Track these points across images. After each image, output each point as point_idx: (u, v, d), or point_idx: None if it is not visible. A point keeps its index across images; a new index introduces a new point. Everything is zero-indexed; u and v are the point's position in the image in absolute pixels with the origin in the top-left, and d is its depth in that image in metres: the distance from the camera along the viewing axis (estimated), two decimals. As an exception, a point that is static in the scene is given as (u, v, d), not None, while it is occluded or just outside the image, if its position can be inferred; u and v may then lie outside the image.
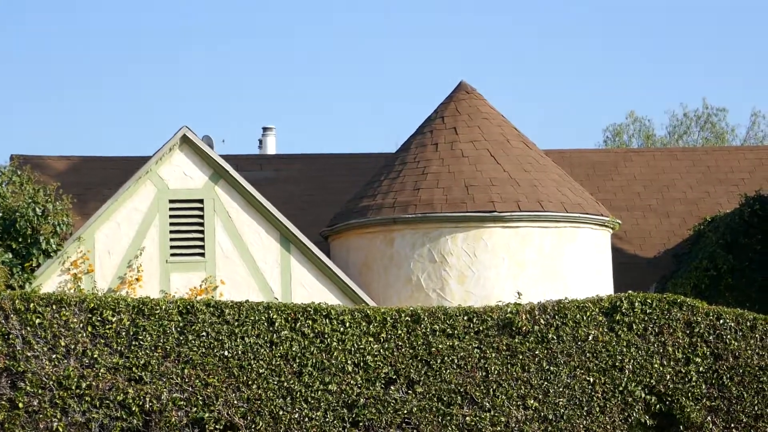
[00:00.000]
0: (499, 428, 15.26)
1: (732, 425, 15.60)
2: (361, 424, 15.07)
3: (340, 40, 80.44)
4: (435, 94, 30.88)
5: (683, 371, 15.64)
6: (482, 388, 15.34)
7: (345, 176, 27.87)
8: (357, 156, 30.03)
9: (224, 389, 14.88)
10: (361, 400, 15.09)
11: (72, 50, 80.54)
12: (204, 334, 14.98)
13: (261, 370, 14.98)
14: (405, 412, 15.15)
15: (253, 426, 14.88)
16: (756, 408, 15.63)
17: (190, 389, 14.84)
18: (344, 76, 79.09)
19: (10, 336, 14.58)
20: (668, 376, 15.58)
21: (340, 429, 15.03)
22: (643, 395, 15.58)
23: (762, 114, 58.19)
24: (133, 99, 77.97)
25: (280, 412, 14.92)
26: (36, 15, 77.61)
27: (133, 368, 14.76)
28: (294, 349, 15.11)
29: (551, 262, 23.36)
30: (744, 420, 15.57)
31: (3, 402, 14.48)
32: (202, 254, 22.77)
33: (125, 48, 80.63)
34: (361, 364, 15.19)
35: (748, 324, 15.81)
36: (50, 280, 21.10)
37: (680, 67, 76.55)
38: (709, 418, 15.53)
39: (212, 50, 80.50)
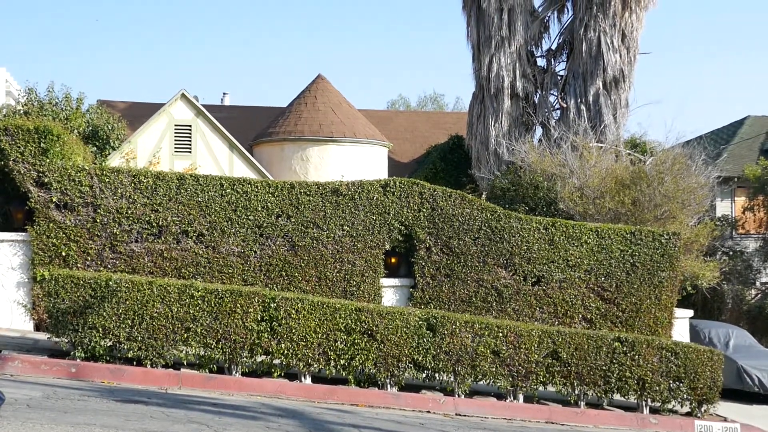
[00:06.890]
0: (329, 240, 15.88)
1: (438, 240, 16.56)
2: (265, 235, 15.64)
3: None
4: (307, 80, 32.49)
5: (417, 215, 16.48)
6: (323, 221, 15.91)
7: (263, 117, 28.76)
8: (268, 108, 30.47)
9: (198, 216, 15.40)
10: (265, 224, 15.64)
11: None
12: (189, 189, 15.42)
13: (216, 208, 15.48)
14: (286, 230, 15.72)
15: (213, 234, 15.35)
16: (448, 232, 16.57)
17: (181, 216, 15.34)
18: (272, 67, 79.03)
19: (93, 186, 14.93)
20: (410, 217, 16.43)
21: (254, 237, 15.55)
22: (398, 226, 16.40)
23: (461, 98, 60.85)
24: (166, 67, 77.09)
25: (225, 229, 15.47)
26: None
27: (153, 205, 15.25)
28: (232, 198, 15.55)
29: (359, 163, 24.82)
30: (443, 238, 16.56)
31: (89, 219, 14.87)
32: (189, 151, 24.01)
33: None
34: (265, 207, 15.65)
35: (448, 194, 16.69)
36: (114, 162, 22.03)
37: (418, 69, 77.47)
38: (427, 237, 16.54)
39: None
